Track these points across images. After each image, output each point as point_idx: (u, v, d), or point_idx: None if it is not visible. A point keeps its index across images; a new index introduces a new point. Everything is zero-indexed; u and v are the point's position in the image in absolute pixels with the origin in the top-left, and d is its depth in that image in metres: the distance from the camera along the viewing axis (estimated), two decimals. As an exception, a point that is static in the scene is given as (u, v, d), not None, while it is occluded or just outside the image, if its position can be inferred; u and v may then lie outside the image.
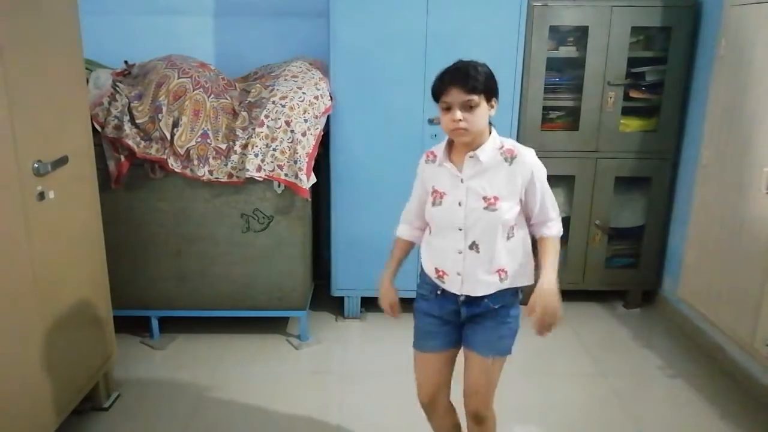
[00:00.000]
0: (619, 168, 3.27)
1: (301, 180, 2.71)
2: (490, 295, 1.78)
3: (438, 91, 1.69)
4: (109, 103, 2.71)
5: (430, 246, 1.85)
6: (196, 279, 2.91)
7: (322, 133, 2.86)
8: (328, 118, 2.97)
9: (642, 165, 3.27)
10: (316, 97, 2.83)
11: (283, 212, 2.84)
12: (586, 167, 3.27)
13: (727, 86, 2.60)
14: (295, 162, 2.70)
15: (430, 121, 2.99)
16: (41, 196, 1.95)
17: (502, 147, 1.74)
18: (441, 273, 1.81)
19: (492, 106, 1.71)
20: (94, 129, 2.52)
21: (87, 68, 2.67)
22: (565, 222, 3.38)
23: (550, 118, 3.27)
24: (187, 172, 2.72)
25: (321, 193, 3.27)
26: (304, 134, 2.72)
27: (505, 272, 1.78)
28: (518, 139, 3.11)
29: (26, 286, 1.93)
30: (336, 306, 3.35)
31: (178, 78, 2.74)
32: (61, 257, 2.11)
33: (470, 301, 1.80)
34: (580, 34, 3.15)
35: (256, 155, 2.69)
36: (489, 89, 1.68)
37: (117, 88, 2.76)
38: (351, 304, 3.27)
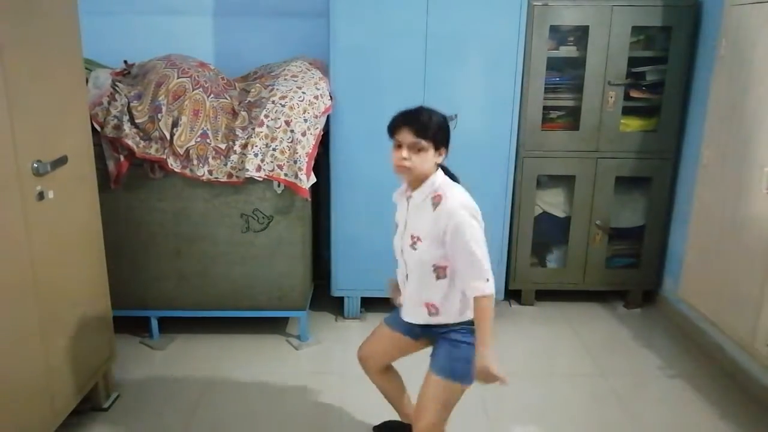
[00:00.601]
0: (619, 168, 3.27)
1: (300, 180, 2.70)
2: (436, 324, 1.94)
3: (392, 128, 1.83)
4: (109, 103, 2.71)
5: None
6: (195, 279, 2.91)
7: (321, 133, 2.86)
8: (328, 118, 2.96)
9: (642, 165, 3.27)
10: (316, 97, 2.83)
11: (282, 212, 2.84)
12: (586, 167, 3.26)
13: (727, 86, 2.60)
14: (295, 162, 2.70)
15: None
16: (41, 196, 1.95)
17: (434, 192, 1.85)
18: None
19: (440, 154, 1.86)
20: (93, 129, 2.51)
21: (87, 68, 2.66)
22: (566, 222, 3.38)
23: (551, 118, 3.27)
24: (187, 172, 2.72)
25: (321, 193, 3.27)
26: (303, 134, 2.72)
27: (435, 307, 1.90)
28: (518, 139, 3.13)
29: (26, 286, 1.92)
30: (336, 306, 3.34)
31: (178, 78, 2.74)
32: (60, 257, 2.11)
33: (420, 326, 1.99)
34: (581, 34, 3.15)
35: (256, 155, 2.69)
36: (438, 138, 1.82)
37: (116, 88, 2.75)
38: (351, 304, 3.27)
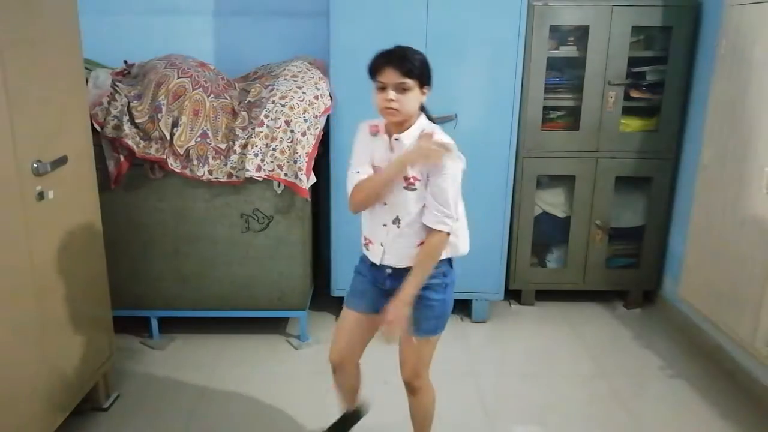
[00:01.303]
0: (619, 168, 3.27)
1: (300, 180, 2.70)
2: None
3: (375, 69, 1.80)
4: (109, 103, 2.71)
5: (363, 217, 1.95)
6: (195, 279, 2.91)
7: (322, 132, 2.86)
8: (328, 117, 2.96)
9: (642, 165, 3.27)
10: (316, 97, 2.83)
11: (282, 212, 2.84)
12: (586, 167, 3.26)
13: (727, 86, 2.60)
14: (295, 162, 2.70)
15: (430, 121, 2.98)
16: (40, 196, 1.95)
17: (423, 131, 1.81)
18: (367, 241, 1.95)
19: (423, 93, 1.81)
20: (93, 129, 2.51)
21: (87, 68, 2.66)
22: (566, 222, 3.38)
23: (551, 118, 3.27)
24: (187, 172, 2.72)
25: (321, 193, 3.27)
26: (303, 134, 2.72)
27: None
28: (518, 139, 3.13)
29: (25, 286, 1.92)
30: (336, 306, 3.34)
31: (178, 78, 2.74)
32: (60, 257, 2.11)
33: (396, 274, 1.89)
34: (581, 34, 3.15)
35: (256, 155, 2.69)
36: (423, 76, 1.77)
37: (116, 88, 2.75)
38: (351, 304, 3.26)
